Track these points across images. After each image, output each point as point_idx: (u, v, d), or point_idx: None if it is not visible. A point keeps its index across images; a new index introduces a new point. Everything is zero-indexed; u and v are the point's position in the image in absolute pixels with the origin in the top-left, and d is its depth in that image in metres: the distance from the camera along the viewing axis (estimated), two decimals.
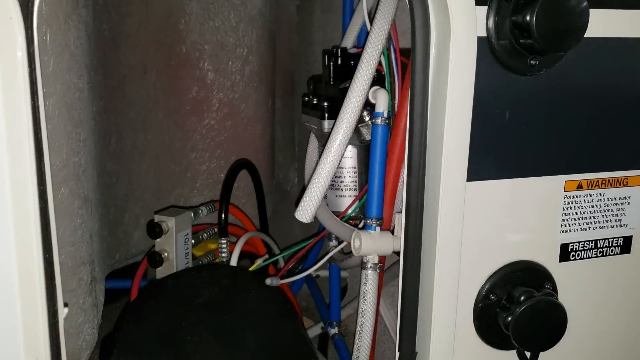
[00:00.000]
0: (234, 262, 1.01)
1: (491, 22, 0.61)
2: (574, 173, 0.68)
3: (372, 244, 0.77)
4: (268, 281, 1.00)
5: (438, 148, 0.63)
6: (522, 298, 0.66)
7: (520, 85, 0.63)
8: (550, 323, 0.66)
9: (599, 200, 0.70)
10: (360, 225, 0.87)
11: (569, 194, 0.69)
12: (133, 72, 1.25)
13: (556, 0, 0.59)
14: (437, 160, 0.63)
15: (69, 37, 0.78)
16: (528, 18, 0.59)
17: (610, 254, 0.72)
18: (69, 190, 0.77)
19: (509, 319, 0.66)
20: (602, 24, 0.65)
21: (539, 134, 0.65)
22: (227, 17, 1.33)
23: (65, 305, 0.57)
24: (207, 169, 1.39)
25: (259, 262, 1.02)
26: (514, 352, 0.70)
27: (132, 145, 1.27)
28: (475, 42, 0.60)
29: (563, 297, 0.71)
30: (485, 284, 0.68)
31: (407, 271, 0.68)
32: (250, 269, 1.03)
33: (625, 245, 0.73)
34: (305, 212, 0.73)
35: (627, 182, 0.71)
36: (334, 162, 0.72)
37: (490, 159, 0.64)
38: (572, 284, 0.71)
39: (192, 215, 1.04)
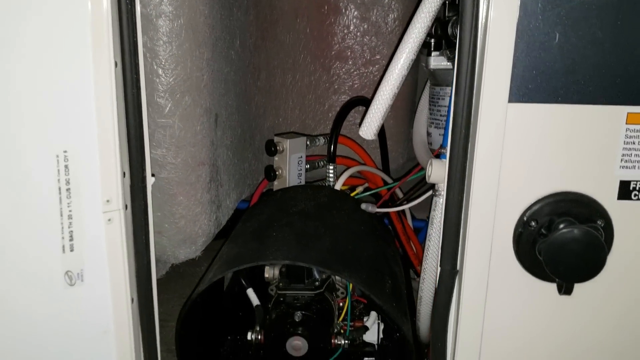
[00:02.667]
0: (338, 186, 1.10)
1: None
2: (636, 104, 0.63)
3: (442, 172, 0.79)
4: (363, 206, 1.08)
5: (480, 65, 0.63)
6: (561, 226, 0.64)
7: None
8: (586, 255, 0.63)
9: None
10: None
11: (631, 127, 0.64)
12: (285, 17, 1.39)
13: None
14: (479, 78, 0.64)
15: None
16: None
17: None
18: (191, 99, 0.92)
19: (543, 244, 0.64)
20: None
21: (598, 54, 0.62)
22: None
23: (153, 175, 0.71)
24: None
25: (359, 190, 1.10)
26: (554, 285, 0.68)
27: (281, 83, 1.42)
28: None
29: (619, 238, 0.67)
30: (527, 210, 0.67)
31: (450, 189, 0.70)
32: (352, 194, 1.11)
33: None
34: (369, 129, 0.78)
35: None
36: (396, 80, 0.76)
37: (538, 80, 0.63)
38: (631, 225, 0.66)
39: (308, 141, 1.15)
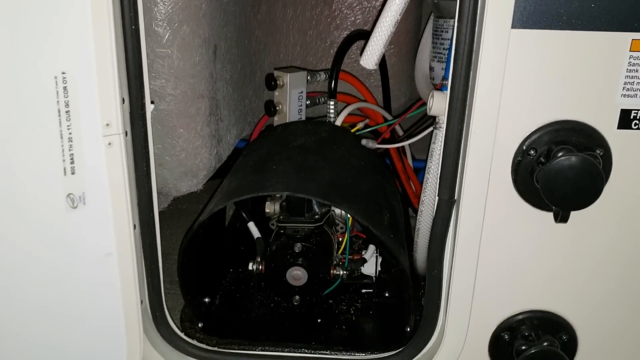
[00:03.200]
0: (338, 122, 1.10)
1: None
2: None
3: (443, 103, 0.79)
4: (364, 142, 1.08)
5: None
6: (560, 154, 0.64)
7: None
8: (583, 183, 0.64)
9: None
10: None
11: (635, 54, 0.63)
12: None
13: None
14: (483, 4, 0.62)
15: None
16: None
17: None
18: (190, 29, 0.91)
19: (540, 172, 0.65)
20: None
21: None
22: None
23: (152, 102, 0.71)
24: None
25: (359, 126, 1.09)
26: (551, 214, 0.69)
27: (282, 18, 1.39)
28: None
29: (617, 167, 0.67)
30: (526, 139, 0.67)
31: (451, 120, 0.69)
32: (352, 130, 1.11)
33: None
34: (370, 58, 0.77)
35: None
36: (398, 6, 0.74)
37: (542, 5, 0.61)
38: (630, 155, 0.66)
39: (308, 76, 1.14)
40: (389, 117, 1.25)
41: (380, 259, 1.09)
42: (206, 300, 1.05)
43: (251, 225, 1.06)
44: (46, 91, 0.56)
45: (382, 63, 1.28)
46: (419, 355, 0.81)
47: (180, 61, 0.92)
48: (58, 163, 0.59)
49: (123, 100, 0.64)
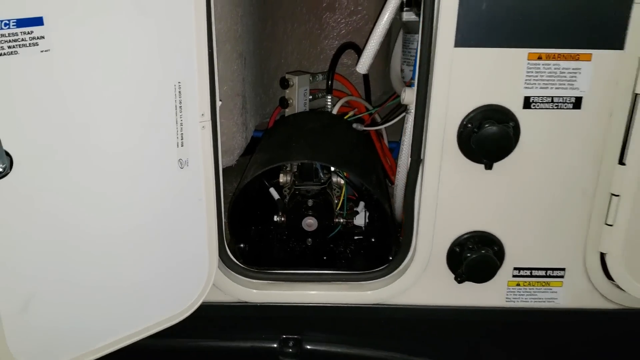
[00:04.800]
0: (334, 112, 1.44)
1: None
2: (534, 47, 0.97)
3: (412, 96, 1.13)
4: (354, 125, 1.42)
5: (436, 19, 0.96)
6: (486, 126, 0.99)
7: None
8: (501, 143, 0.99)
9: (555, 69, 0.98)
10: None
11: (531, 62, 0.98)
12: None
13: None
14: (435, 28, 0.97)
15: None
16: None
17: (564, 108, 1.01)
18: (230, 46, 1.23)
19: (474, 138, 1.00)
20: None
21: (505, 11, 0.95)
22: None
23: (220, 100, 1.03)
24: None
25: (350, 114, 1.44)
26: (482, 165, 1.04)
27: (283, 31, 1.72)
28: None
29: (524, 133, 1.02)
30: (465, 117, 1.01)
31: (418, 106, 1.04)
32: (345, 117, 1.46)
33: (577, 103, 1.01)
34: (363, 65, 1.11)
35: (578, 57, 0.98)
36: (383, 29, 1.08)
37: (472, 30, 0.96)
38: (531, 125, 1.02)
39: (310, 77, 1.48)
40: (369, 106, 1.59)
41: (367, 213, 1.43)
42: (241, 245, 1.38)
43: (272, 190, 1.40)
44: (170, 94, 0.88)
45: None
46: (400, 267, 1.15)
47: (224, 70, 1.24)
48: (174, 139, 0.91)
49: (209, 100, 0.96)
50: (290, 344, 1.19)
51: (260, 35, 1.55)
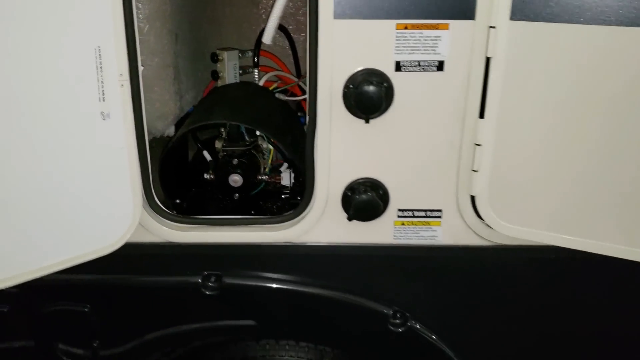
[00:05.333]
0: (260, 84, 1.63)
1: None
2: (401, 18, 1.15)
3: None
4: (277, 95, 1.61)
5: None
6: (364, 87, 1.18)
7: None
8: (376, 101, 1.18)
9: (419, 37, 1.17)
10: None
11: (398, 31, 1.17)
12: None
13: None
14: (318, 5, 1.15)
15: None
16: None
17: (430, 70, 1.19)
18: (160, 24, 1.41)
19: (355, 96, 1.18)
20: None
21: None
22: None
23: (142, 66, 1.21)
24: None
25: (274, 86, 1.62)
26: (362, 121, 1.22)
27: (223, 15, 1.91)
28: None
29: (397, 93, 1.21)
30: (348, 79, 1.20)
31: (311, 63, 1.22)
32: (270, 88, 1.64)
33: (440, 66, 1.19)
34: (267, 36, 1.29)
35: (437, 27, 1.16)
36: (281, 5, 1.26)
37: (349, 3, 1.14)
38: (403, 86, 1.20)
39: (240, 53, 1.66)
40: (294, 79, 1.78)
41: (293, 174, 1.62)
42: (177, 201, 1.56)
43: (205, 153, 1.58)
44: (91, 56, 1.06)
45: (291, 42, 1.81)
46: (304, 212, 1.34)
47: (155, 44, 1.42)
48: (96, 94, 1.09)
49: (128, 63, 1.14)
50: (212, 279, 1.37)
51: (198, 17, 1.73)
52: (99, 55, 1.07)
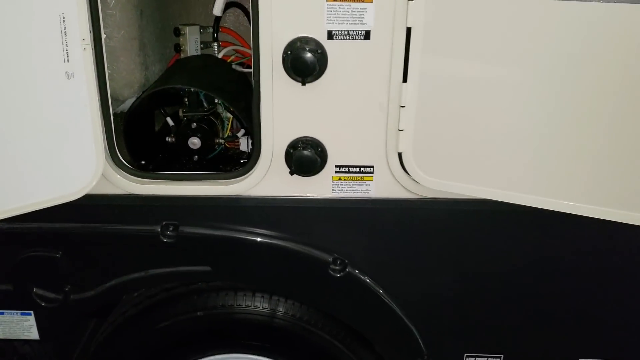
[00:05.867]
0: (219, 56, 1.78)
1: None
2: None
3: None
4: (233, 66, 1.76)
5: None
6: (299, 52, 1.33)
7: None
8: (310, 66, 1.33)
9: (347, 9, 1.32)
10: None
11: (330, 4, 1.32)
12: None
13: None
14: None
15: None
16: None
17: (358, 39, 1.35)
18: (125, 0, 1.56)
19: (291, 61, 1.33)
20: None
21: None
22: None
23: (104, 34, 1.36)
24: None
25: (231, 59, 1.78)
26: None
27: None
28: None
29: (331, 59, 1.36)
30: (286, 46, 1.35)
31: (254, 29, 1.37)
32: (228, 60, 1.79)
33: (367, 35, 1.34)
34: (217, 9, 1.44)
35: (365, 0, 1.31)
36: None
37: None
38: (336, 53, 1.35)
39: (201, 29, 1.81)
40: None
41: (250, 141, 1.77)
42: (142, 162, 1.71)
43: (168, 119, 1.73)
44: (56, 22, 1.21)
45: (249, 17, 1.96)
46: (252, 168, 1.49)
47: (121, 18, 1.57)
48: (61, 56, 1.24)
49: (91, 30, 1.29)
50: (170, 228, 1.52)
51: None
52: (63, 21, 1.22)
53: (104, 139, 1.40)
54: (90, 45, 1.29)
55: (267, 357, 1.80)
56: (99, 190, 1.45)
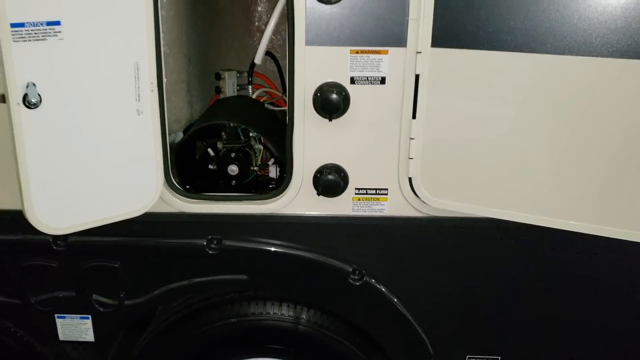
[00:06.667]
0: (253, 96, 2.05)
1: None
2: (353, 46, 1.57)
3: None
4: (266, 105, 2.02)
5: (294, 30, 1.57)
6: (327, 94, 1.59)
7: None
8: (337, 105, 1.58)
9: (367, 59, 1.59)
10: None
11: (352, 55, 1.58)
12: (225, 8, 2.30)
13: None
14: (293, 36, 1.57)
15: None
16: None
17: (375, 83, 1.61)
18: (177, 49, 1.84)
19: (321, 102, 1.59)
20: None
21: (342, 26, 1.56)
22: None
23: (165, 79, 1.62)
24: None
25: (264, 99, 2.05)
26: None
27: (225, 45, 2.34)
28: None
29: (353, 100, 1.62)
30: (317, 89, 1.61)
31: (289, 76, 1.63)
32: (261, 100, 2.06)
33: (383, 80, 1.60)
34: (257, 57, 1.71)
35: (379, 52, 1.58)
36: (269, 30, 1.68)
37: (318, 33, 1.56)
38: (356, 95, 1.61)
39: (237, 74, 2.09)
40: (279, 93, 2.20)
41: (278, 168, 2.02)
42: (187, 186, 1.96)
43: (209, 150, 1.99)
44: (131, 68, 1.48)
45: (278, 66, 2.25)
46: (285, 190, 1.73)
47: (173, 65, 1.84)
48: (133, 96, 1.50)
49: (156, 75, 1.56)
50: (215, 242, 1.76)
51: (206, 45, 2.17)
52: (137, 68, 1.49)
53: (162, 165, 1.65)
54: (156, 88, 1.55)
55: None
56: (155, 209, 1.69)
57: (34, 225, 1.44)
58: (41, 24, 1.30)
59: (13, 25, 1.27)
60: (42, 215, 1.42)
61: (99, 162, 1.50)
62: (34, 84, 1.32)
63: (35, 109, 1.33)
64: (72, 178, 1.46)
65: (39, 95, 1.33)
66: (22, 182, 1.38)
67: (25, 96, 1.32)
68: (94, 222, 1.54)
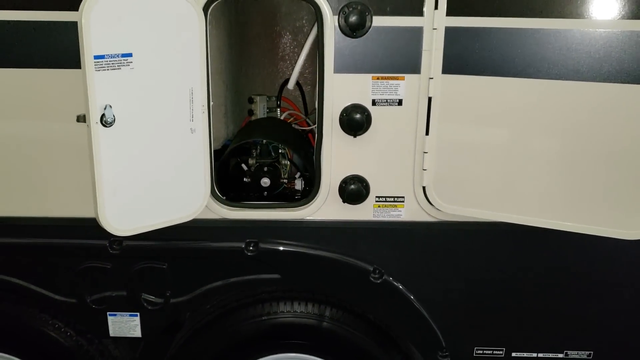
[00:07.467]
0: (282, 118, 2.28)
1: None
2: (374, 73, 1.80)
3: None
4: (293, 125, 2.25)
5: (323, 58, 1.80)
6: (352, 115, 1.81)
7: None
8: (360, 124, 1.80)
9: (387, 84, 1.81)
10: None
11: (374, 81, 1.81)
12: (255, 38, 2.55)
13: None
14: (323, 65, 1.80)
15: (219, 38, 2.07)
16: None
17: (394, 105, 1.83)
18: (218, 77, 2.07)
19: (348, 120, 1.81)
20: None
21: (365, 57, 1.79)
22: None
23: (212, 102, 1.85)
24: None
25: (291, 119, 2.28)
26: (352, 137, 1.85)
27: (255, 74, 2.58)
28: None
29: (374, 119, 1.84)
30: (342, 110, 1.83)
31: (319, 100, 1.86)
32: (288, 121, 2.29)
33: (400, 102, 1.83)
34: (291, 84, 1.94)
35: (397, 78, 1.81)
36: (302, 59, 1.91)
37: (345, 63, 1.79)
38: (377, 115, 1.84)
39: (267, 98, 2.32)
40: (303, 116, 2.43)
41: (303, 181, 2.23)
42: (224, 197, 2.17)
43: (243, 165, 2.20)
44: (187, 93, 1.70)
45: (302, 91, 2.48)
46: (313, 198, 1.94)
47: (214, 90, 2.07)
48: (188, 116, 1.73)
49: (207, 99, 1.78)
50: (252, 244, 1.96)
51: (239, 74, 2.41)
52: (192, 92, 1.72)
53: (209, 177, 1.86)
54: (206, 110, 1.78)
55: (316, 355, 2.19)
56: (200, 215, 1.90)
57: (104, 226, 1.65)
58: (117, 56, 1.53)
59: (96, 57, 1.50)
60: (111, 218, 1.62)
61: (159, 173, 1.71)
62: (110, 106, 1.54)
63: (109, 127, 1.55)
64: (136, 187, 1.67)
65: (114, 115, 1.55)
66: (97, 189, 1.59)
67: (102, 116, 1.54)
68: (153, 226, 1.74)
